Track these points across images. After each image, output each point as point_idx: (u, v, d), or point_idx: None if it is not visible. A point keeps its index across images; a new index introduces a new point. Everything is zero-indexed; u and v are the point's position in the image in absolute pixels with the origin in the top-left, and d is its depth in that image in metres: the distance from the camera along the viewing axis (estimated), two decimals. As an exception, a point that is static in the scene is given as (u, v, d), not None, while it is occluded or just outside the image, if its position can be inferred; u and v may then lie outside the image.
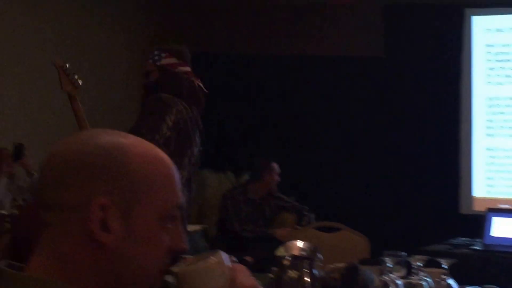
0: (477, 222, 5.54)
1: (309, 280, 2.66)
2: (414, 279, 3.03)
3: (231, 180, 6.71)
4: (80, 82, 3.94)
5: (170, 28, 8.51)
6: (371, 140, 7.52)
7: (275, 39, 8.34)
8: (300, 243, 2.81)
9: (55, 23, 7.28)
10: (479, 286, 3.24)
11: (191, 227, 5.66)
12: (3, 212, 5.15)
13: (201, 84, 4.07)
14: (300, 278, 2.67)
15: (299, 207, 5.88)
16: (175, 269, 1.32)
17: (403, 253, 3.07)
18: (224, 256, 1.44)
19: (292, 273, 2.69)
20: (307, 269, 2.68)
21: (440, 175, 7.20)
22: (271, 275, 2.99)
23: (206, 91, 4.12)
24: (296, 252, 2.75)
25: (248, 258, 5.12)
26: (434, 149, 7.27)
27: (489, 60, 7.27)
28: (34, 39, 7.08)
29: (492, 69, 7.26)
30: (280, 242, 3.80)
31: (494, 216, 5.31)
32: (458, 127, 7.25)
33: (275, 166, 5.95)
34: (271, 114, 7.64)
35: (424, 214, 7.02)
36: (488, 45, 7.30)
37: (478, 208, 6.76)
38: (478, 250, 5.18)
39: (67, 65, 3.94)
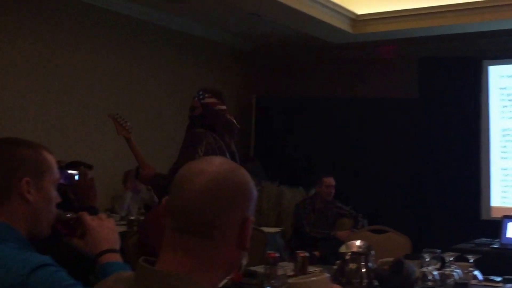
0: (495, 226, 5.42)
1: (365, 270, 2.65)
2: (447, 271, 2.98)
3: (302, 194, 6.70)
4: (131, 127, 3.94)
5: (252, 77, 8.58)
6: (410, 163, 7.46)
7: (333, 85, 8.38)
8: (357, 242, 2.81)
9: (162, 74, 7.37)
10: (499, 276, 3.18)
11: (272, 229, 5.67)
12: (132, 218, 5.13)
13: (233, 119, 3.94)
14: (358, 269, 2.67)
15: (355, 214, 5.83)
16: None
17: (438, 250, 3.03)
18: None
19: (352, 265, 2.69)
20: (364, 262, 2.67)
21: (465, 190, 7.10)
22: (335, 267, 3.00)
23: (238, 126, 3.99)
24: (355, 249, 2.75)
25: (316, 253, 5.10)
26: (460, 170, 7.17)
27: (503, 99, 7.24)
28: (145, 84, 7.22)
29: (505, 106, 7.22)
30: (341, 242, 3.80)
31: (508, 222, 5.23)
32: (479, 152, 7.21)
33: (326, 180, 5.86)
34: (332, 143, 7.64)
35: (453, 219, 6.91)
36: (502, 88, 7.26)
37: (495, 215, 6.70)
38: (497, 248, 5.10)
39: (118, 114, 3.97)
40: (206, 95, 3.92)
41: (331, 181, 5.84)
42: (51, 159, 1.67)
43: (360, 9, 6.99)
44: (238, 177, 1.18)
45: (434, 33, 6.94)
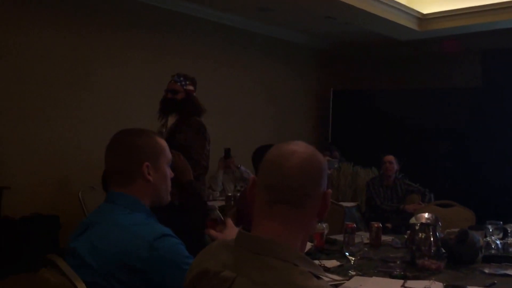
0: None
1: (433, 239, 2.60)
2: (509, 240, 2.89)
3: (374, 173, 6.60)
4: None
5: (329, 73, 8.54)
6: (474, 147, 7.20)
7: (401, 78, 8.23)
8: (426, 215, 2.76)
9: (253, 72, 7.45)
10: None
11: (349, 204, 5.63)
12: (229, 194, 5.18)
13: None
14: (427, 238, 2.62)
15: (422, 189, 5.68)
16: None
17: (500, 222, 2.93)
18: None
19: (421, 235, 2.65)
20: (432, 232, 2.62)
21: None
22: (405, 236, 2.96)
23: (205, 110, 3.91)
24: (423, 221, 2.71)
25: (388, 225, 5.03)
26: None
27: None
28: (239, 86, 7.32)
29: None
30: (411, 214, 3.73)
31: None
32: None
33: (386, 158, 5.71)
34: (400, 129, 7.54)
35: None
36: None
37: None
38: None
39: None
40: (188, 82, 3.79)
41: (390, 158, 5.72)
42: (163, 143, 1.76)
43: (426, 9, 6.81)
44: (320, 156, 1.25)
45: (497, 27, 6.62)
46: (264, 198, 1.20)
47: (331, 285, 2.17)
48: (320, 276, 1.15)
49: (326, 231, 3.04)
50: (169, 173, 1.76)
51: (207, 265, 1.21)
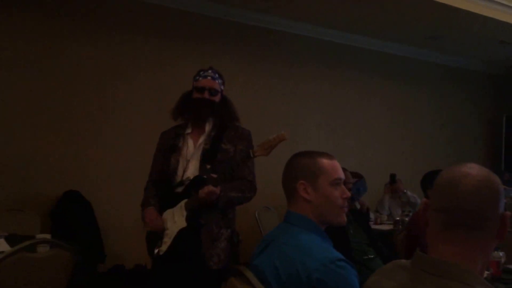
0: None
1: None
2: None
3: None
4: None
5: (503, 98, 7.84)
6: None
7: None
8: None
9: (422, 100, 7.16)
10: None
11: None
12: (397, 218, 4.97)
13: None
14: None
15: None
16: None
17: None
18: None
19: None
20: None
21: None
22: None
23: None
24: None
25: None
26: None
27: None
28: (410, 112, 7.07)
29: None
30: None
31: None
32: None
33: None
34: None
35: None
36: None
37: None
38: None
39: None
40: (222, 80, 2.81)
41: None
42: (326, 163, 1.67)
43: None
44: (496, 178, 1.17)
45: None
46: (439, 221, 1.15)
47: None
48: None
49: (503, 260, 2.76)
50: (333, 194, 1.66)
51: (384, 285, 1.19)
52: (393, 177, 5.69)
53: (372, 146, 6.51)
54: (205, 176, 2.54)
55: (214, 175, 2.55)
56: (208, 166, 2.59)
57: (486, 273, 2.59)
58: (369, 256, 3.39)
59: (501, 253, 2.75)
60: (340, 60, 6.27)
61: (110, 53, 4.72)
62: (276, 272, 1.53)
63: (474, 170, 1.16)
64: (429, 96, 7.18)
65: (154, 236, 2.62)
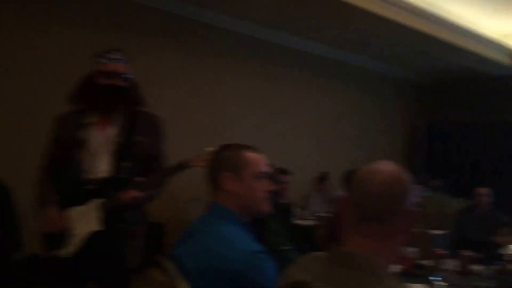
0: None
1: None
2: None
3: (462, 203, 6.22)
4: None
5: (424, 105, 8.28)
6: None
7: (492, 112, 7.79)
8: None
9: (346, 102, 7.37)
10: None
11: (437, 231, 5.33)
12: (322, 214, 5.11)
13: None
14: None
15: (512, 222, 5.27)
16: None
17: None
18: None
19: (510, 265, 2.48)
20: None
21: None
22: (495, 267, 2.78)
23: None
24: (513, 252, 2.52)
25: (476, 255, 4.69)
26: None
27: None
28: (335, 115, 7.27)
29: None
30: (500, 245, 3.47)
31: None
32: None
33: (480, 190, 5.35)
34: (490, 161, 7.12)
35: None
36: None
37: None
38: None
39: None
40: (125, 59, 2.43)
41: (483, 191, 5.38)
42: (251, 156, 1.66)
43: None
44: (405, 176, 1.21)
45: None
46: (353, 215, 1.20)
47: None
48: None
49: (415, 256, 2.92)
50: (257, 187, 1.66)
51: (301, 277, 1.22)
52: (323, 175, 5.85)
53: (301, 145, 6.58)
54: (125, 177, 2.33)
55: (139, 179, 2.31)
56: (126, 164, 2.35)
57: (399, 268, 2.72)
58: (287, 248, 3.50)
59: (413, 249, 2.90)
60: (272, 59, 6.30)
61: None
62: (196, 263, 1.51)
63: (385, 167, 1.22)
64: (356, 100, 7.37)
65: (55, 236, 2.36)
